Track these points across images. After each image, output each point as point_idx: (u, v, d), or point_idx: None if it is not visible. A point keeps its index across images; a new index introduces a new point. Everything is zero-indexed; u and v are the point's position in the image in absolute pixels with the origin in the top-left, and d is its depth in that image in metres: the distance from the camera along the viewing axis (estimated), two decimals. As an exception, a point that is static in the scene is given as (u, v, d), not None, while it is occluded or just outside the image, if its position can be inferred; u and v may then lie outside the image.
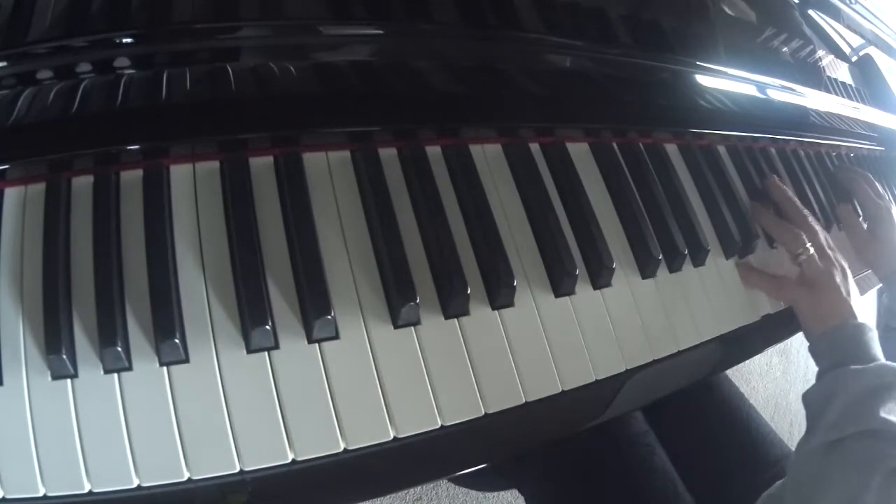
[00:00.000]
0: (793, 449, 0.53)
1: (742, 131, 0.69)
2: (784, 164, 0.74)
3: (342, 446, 0.38)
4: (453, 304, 0.43)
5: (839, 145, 0.88)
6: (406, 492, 1.15)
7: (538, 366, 0.45)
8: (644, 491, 0.60)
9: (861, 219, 0.76)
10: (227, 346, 0.38)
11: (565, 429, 0.47)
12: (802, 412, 0.53)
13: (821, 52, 0.76)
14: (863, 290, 0.72)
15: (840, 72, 0.83)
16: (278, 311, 0.40)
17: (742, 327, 0.57)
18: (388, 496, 0.76)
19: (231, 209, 0.41)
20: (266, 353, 0.39)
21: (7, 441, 0.34)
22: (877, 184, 0.79)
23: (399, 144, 0.48)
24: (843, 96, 0.83)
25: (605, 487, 0.60)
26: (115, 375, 0.36)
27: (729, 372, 0.76)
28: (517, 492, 0.68)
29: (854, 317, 0.56)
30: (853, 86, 0.86)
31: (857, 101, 0.86)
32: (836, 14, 0.76)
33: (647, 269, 0.52)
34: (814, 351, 0.57)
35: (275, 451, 0.37)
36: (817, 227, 0.61)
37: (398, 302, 0.41)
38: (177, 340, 0.36)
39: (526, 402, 0.44)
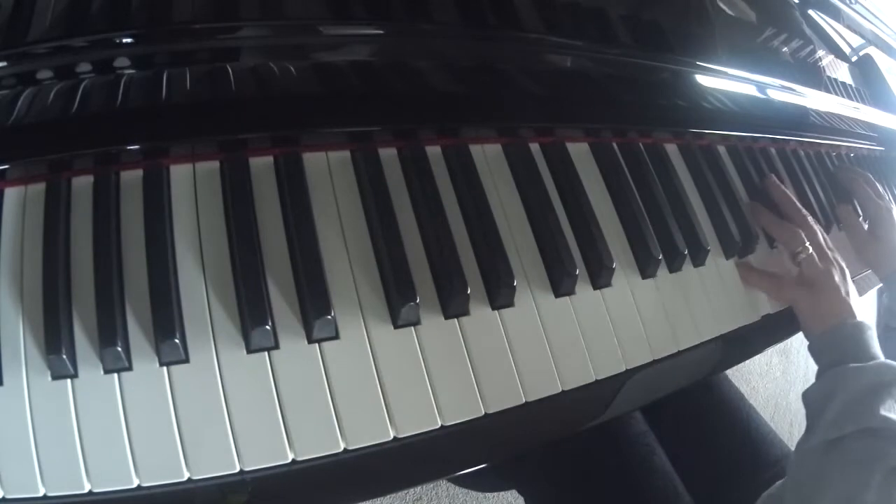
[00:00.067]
0: (793, 449, 0.53)
1: (742, 131, 0.69)
2: (784, 164, 0.74)
3: (342, 446, 0.38)
4: (453, 304, 0.43)
5: (839, 145, 0.88)
6: (406, 492, 1.15)
7: (538, 366, 0.45)
8: (644, 491, 0.60)
9: (861, 219, 0.76)
10: (227, 346, 0.38)
11: (565, 429, 0.47)
12: (802, 412, 0.53)
13: (821, 52, 0.76)
14: (863, 290, 0.72)
15: (840, 72, 0.83)
16: (278, 311, 0.40)
17: (742, 327, 0.57)
18: (388, 496, 0.76)
19: (231, 209, 0.41)
20: (266, 353, 0.39)
21: (7, 441, 0.34)
22: (877, 184, 0.79)
23: (399, 144, 0.48)
24: (843, 96, 0.83)
25: (605, 487, 0.60)
26: (115, 375, 0.36)
27: (729, 372, 0.76)
28: (517, 492, 0.68)
29: (853, 316, 0.56)
30: (853, 86, 0.86)
31: (857, 101, 0.86)
32: (836, 14, 0.76)
33: (647, 269, 0.52)
34: (813, 350, 0.57)
35: (275, 451, 0.37)
36: (816, 227, 0.61)
37: (398, 302, 0.41)
38: (177, 340, 0.36)
39: (526, 402, 0.44)
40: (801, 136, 0.78)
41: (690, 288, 0.55)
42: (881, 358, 0.53)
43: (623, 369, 0.48)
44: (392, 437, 0.39)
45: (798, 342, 2.07)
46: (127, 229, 0.40)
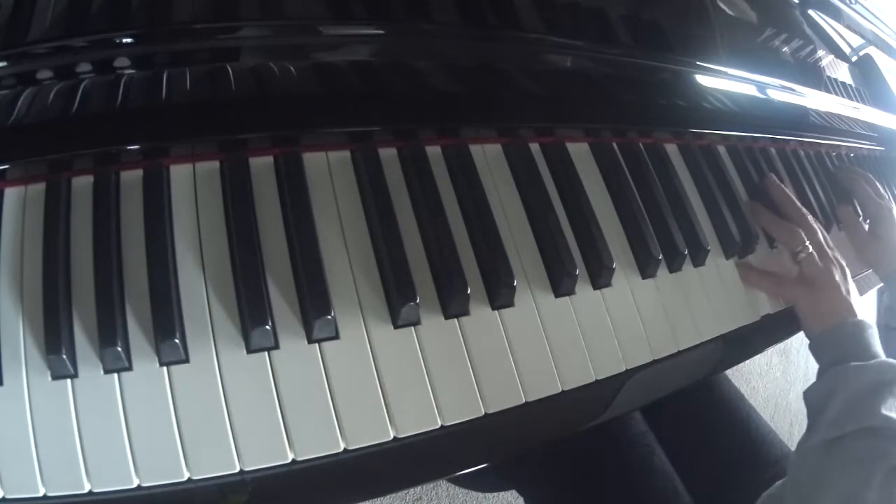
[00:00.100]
0: (793, 449, 0.53)
1: (742, 131, 0.69)
2: (784, 164, 0.74)
3: (342, 446, 0.38)
4: (453, 304, 0.43)
5: (839, 145, 0.88)
6: (406, 492, 1.15)
7: (538, 366, 0.45)
8: (644, 491, 0.60)
9: (861, 219, 0.76)
10: (227, 346, 0.38)
11: (565, 429, 0.47)
12: (802, 412, 0.53)
13: (821, 52, 0.76)
14: (863, 290, 0.72)
15: (840, 72, 0.83)
16: (278, 311, 0.40)
17: (742, 327, 0.57)
18: (388, 496, 0.76)
19: (231, 209, 0.41)
20: (266, 353, 0.39)
21: (7, 441, 0.34)
22: (877, 183, 0.79)
23: (399, 144, 0.48)
24: (843, 96, 0.83)
25: (605, 488, 0.60)
26: (115, 375, 0.36)
27: (729, 372, 0.76)
28: (517, 492, 0.68)
29: (854, 314, 0.56)
30: (853, 86, 0.86)
31: (857, 101, 0.86)
32: (836, 14, 0.76)
33: (647, 269, 0.52)
34: (814, 349, 0.57)
35: (275, 451, 0.37)
36: (816, 226, 0.61)
37: (398, 302, 0.41)
38: (177, 340, 0.36)
39: (526, 402, 0.44)
40: (801, 136, 0.78)
41: (690, 288, 0.55)
42: (882, 356, 0.53)
43: (623, 369, 0.48)
44: (392, 437, 0.39)
45: (798, 342, 2.07)
46: (127, 229, 0.40)
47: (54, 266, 0.37)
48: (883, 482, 0.44)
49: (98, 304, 0.37)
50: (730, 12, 0.63)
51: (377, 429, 0.39)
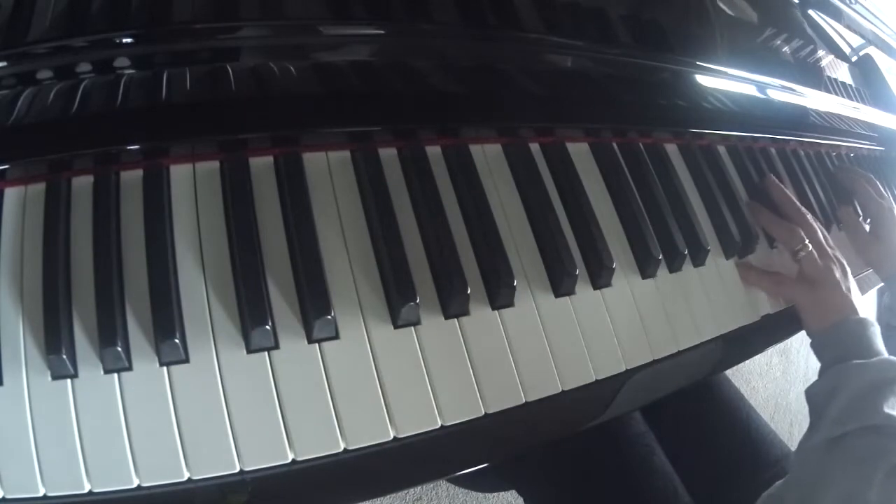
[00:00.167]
0: (793, 449, 0.53)
1: (742, 131, 0.69)
2: (784, 164, 0.74)
3: (342, 446, 0.38)
4: (453, 304, 0.43)
5: (839, 145, 0.88)
6: (406, 492, 1.15)
7: (538, 366, 0.45)
8: (643, 491, 0.60)
9: (862, 219, 0.76)
10: (227, 346, 0.38)
11: (565, 429, 0.47)
12: (802, 412, 0.53)
13: (821, 52, 0.76)
14: (864, 290, 0.72)
15: (840, 72, 0.83)
16: (278, 311, 0.40)
17: (742, 327, 0.57)
18: (388, 496, 0.76)
19: (231, 209, 0.41)
20: (266, 353, 0.39)
21: (7, 441, 0.34)
22: (878, 184, 0.79)
23: (399, 144, 0.48)
24: (843, 96, 0.83)
25: (605, 488, 0.60)
26: (115, 375, 0.36)
27: (729, 372, 0.76)
28: (517, 492, 0.68)
29: (855, 312, 0.56)
30: (853, 86, 0.86)
31: (857, 101, 0.86)
32: (836, 14, 0.76)
33: (647, 269, 0.52)
34: (816, 347, 0.57)
35: (275, 451, 0.37)
36: (816, 225, 0.61)
37: (398, 302, 0.41)
38: (177, 340, 0.36)
39: (526, 402, 0.44)
40: (801, 136, 0.78)
41: (690, 288, 0.55)
42: (885, 354, 0.53)
43: (623, 369, 0.48)
44: (392, 437, 0.39)
45: (798, 342, 2.07)
46: (127, 229, 0.40)
47: (54, 266, 0.37)
48: (884, 481, 0.44)
49: (98, 304, 0.37)
50: (730, 12, 0.63)
51: (377, 429, 0.39)
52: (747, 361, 0.94)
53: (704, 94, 0.64)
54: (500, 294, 0.45)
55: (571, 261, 0.48)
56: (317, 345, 0.40)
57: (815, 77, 0.76)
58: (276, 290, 0.40)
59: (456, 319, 0.44)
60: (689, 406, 0.72)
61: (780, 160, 0.74)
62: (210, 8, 0.40)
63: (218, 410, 0.37)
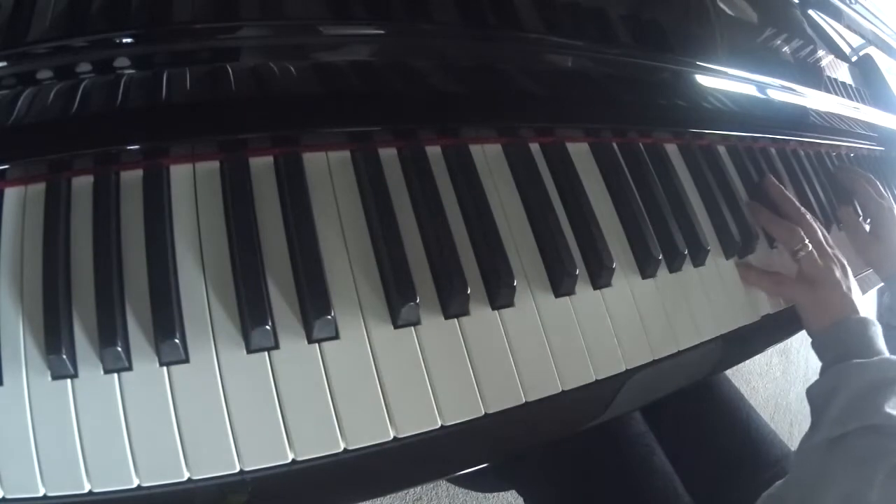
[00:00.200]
0: (793, 449, 0.53)
1: (742, 131, 0.69)
2: (784, 164, 0.74)
3: (342, 446, 0.38)
4: (453, 304, 0.43)
5: (839, 145, 0.88)
6: (406, 492, 1.15)
7: (538, 366, 0.45)
8: (643, 491, 0.59)
9: (862, 219, 0.76)
10: (227, 346, 0.38)
11: (565, 429, 0.47)
12: (802, 412, 0.53)
13: (821, 52, 0.76)
14: (864, 290, 0.72)
15: (840, 72, 0.83)
16: (278, 311, 0.40)
17: (742, 327, 0.57)
18: (388, 496, 0.76)
19: (231, 209, 0.41)
20: (266, 353, 0.39)
21: (7, 441, 0.34)
22: (878, 184, 0.79)
23: (399, 144, 0.48)
24: (843, 96, 0.83)
25: (605, 488, 0.60)
26: (115, 375, 0.36)
27: (729, 372, 0.76)
28: (517, 492, 0.68)
29: (856, 311, 0.56)
30: (853, 86, 0.86)
31: (857, 101, 0.86)
32: (836, 14, 0.76)
33: (647, 269, 0.52)
34: (816, 347, 0.57)
35: (275, 451, 0.37)
36: (815, 225, 0.61)
37: (398, 302, 0.41)
38: (177, 340, 0.36)
39: (526, 402, 0.44)
40: (801, 136, 0.78)
41: (690, 288, 0.55)
42: (886, 354, 0.52)
43: (623, 369, 0.48)
44: (392, 437, 0.39)
45: (798, 342, 2.07)
46: (127, 229, 0.40)
47: (54, 266, 0.37)
48: (885, 481, 0.44)
49: (98, 304, 0.37)
50: (730, 12, 0.63)
51: (377, 429, 0.39)
52: (747, 361, 0.94)
53: (704, 94, 0.64)
54: (500, 294, 0.45)
55: (571, 261, 0.48)
56: (317, 345, 0.40)
57: (815, 77, 0.76)
58: (276, 290, 0.40)
59: (456, 319, 0.44)
60: (689, 406, 0.72)
61: (780, 160, 0.74)
62: (210, 8, 0.40)
63: (218, 410, 0.37)
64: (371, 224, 0.44)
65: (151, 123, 0.41)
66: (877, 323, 0.55)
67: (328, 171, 0.45)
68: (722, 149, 0.66)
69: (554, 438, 0.47)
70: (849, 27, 0.80)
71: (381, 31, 0.45)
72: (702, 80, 0.62)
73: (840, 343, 0.54)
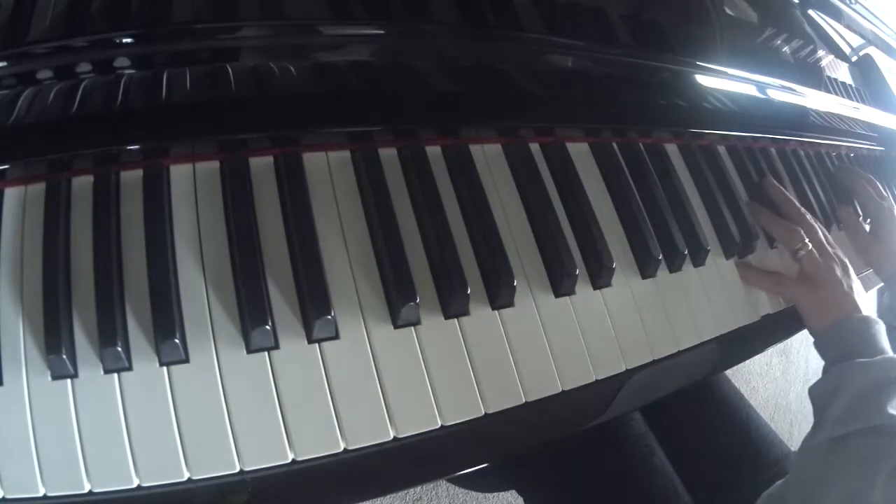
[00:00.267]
0: (793, 449, 0.53)
1: (742, 131, 0.69)
2: (784, 164, 0.74)
3: (342, 446, 0.38)
4: (453, 304, 0.43)
5: (839, 145, 0.88)
6: (406, 492, 1.15)
7: (538, 366, 0.45)
8: (643, 492, 0.60)
9: (862, 219, 0.76)
10: (227, 346, 0.38)
11: (565, 429, 0.47)
12: (802, 412, 0.53)
13: (821, 52, 0.76)
14: (864, 290, 0.72)
15: (840, 72, 0.83)
16: (278, 311, 0.40)
17: (742, 327, 0.57)
18: (388, 496, 0.76)
19: (231, 209, 0.41)
20: (266, 353, 0.39)
21: (7, 441, 0.34)
22: (878, 184, 0.79)
23: (399, 144, 0.48)
24: (843, 96, 0.83)
25: (605, 488, 0.60)
26: (115, 375, 0.36)
27: (729, 372, 0.76)
28: (517, 492, 0.68)
29: (858, 310, 0.55)
30: (853, 86, 0.86)
31: (857, 101, 0.86)
32: (836, 14, 0.76)
33: (647, 269, 0.52)
34: (819, 346, 0.57)
35: (275, 451, 0.37)
36: (815, 224, 0.61)
37: (398, 302, 0.41)
38: (177, 340, 0.36)
39: (526, 402, 0.44)
40: (801, 136, 0.78)
41: (690, 288, 0.55)
42: (889, 353, 0.52)
43: (623, 369, 0.48)
44: (392, 437, 0.39)
45: (798, 342, 2.07)
46: (127, 229, 0.40)
47: (54, 266, 0.37)
48: (887, 481, 0.44)
49: (98, 304, 0.37)
50: (730, 12, 0.63)
51: (377, 429, 0.39)
52: (747, 361, 0.94)
53: (704, 94, 0.64)
54: (500, 294, 0.45)
55: (571, 261, 0.48)
56: (317, 345, 0.40)
57: (815, 77, 0.76)
58: (276, 290, 0.40)
59: (456, 319, 0.44)
60: (689, 406, 0.72)
61: (780, 160, 0.74)
62: (210, 8, 0.40)
63: (218, 410, 0.37)
64: (371, 224, 0.44)
65: (151, 123, 0.41)
66: (880, 321, 0.55)
67: (328, 171, 0.45)
68: (722, 149, 0.66)
69: (554, 438, 0.47)
70: (849, 27, 0.80)
71: (381, 31, 0.45)
72: (702, 80, 0.62)
73: (842, 342, 0.54)
